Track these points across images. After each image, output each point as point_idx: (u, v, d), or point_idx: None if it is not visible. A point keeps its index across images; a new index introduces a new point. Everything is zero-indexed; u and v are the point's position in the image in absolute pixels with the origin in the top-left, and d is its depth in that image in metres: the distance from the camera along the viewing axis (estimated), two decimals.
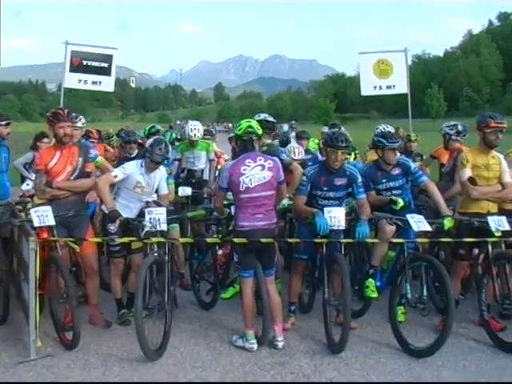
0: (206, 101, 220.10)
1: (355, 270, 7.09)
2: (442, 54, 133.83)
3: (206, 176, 9.67)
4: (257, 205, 5.89)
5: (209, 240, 6.65)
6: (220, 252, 7.18)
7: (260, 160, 5.96)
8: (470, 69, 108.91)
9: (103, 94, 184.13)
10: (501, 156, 6.61)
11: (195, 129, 9.30)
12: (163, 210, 6.20)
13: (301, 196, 6.37)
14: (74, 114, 6.66)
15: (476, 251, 6.55)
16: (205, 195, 9.25)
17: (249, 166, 5.89)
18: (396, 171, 6.73)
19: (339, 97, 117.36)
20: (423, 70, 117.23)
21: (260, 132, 6.08)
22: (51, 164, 6.28)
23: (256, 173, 5.88)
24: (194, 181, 9.45)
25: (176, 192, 8.56)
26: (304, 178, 6.40)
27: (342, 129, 12.45)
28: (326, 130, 14.20)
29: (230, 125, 39.42)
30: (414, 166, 6.85)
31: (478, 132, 6.52)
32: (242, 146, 6.07)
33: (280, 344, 6.02)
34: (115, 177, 6.47)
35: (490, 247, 6.22)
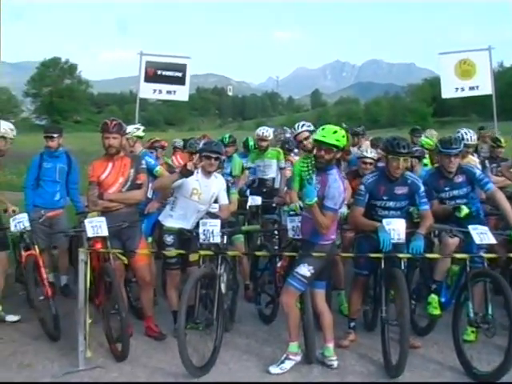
0: (302, 108, 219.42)
1: (421, 286, 6.59)
2: None
3: (277, 185, 9.39)
4: None
5: (258, 253, 6.46)
6: (279, 264, 6.93)
7: None
8: None
9: (201, 103, 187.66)
10: None
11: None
12: (217, 222, 6.05)
13: (358, 207, 5.95)
14: (125, 126, 6.55)
15: None
16: (274, 204, 9.03)
17: None
18: (460, 179, 6.23)
19: (438, 100, 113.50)
20: None
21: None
22: (103, 176, 6.26)
23: None
24: (264, 190, 9.24)
25: (246, 201, 8.41)
26: (362, 187, 5.95)
27: (423, 136, 11.85)
28: (433, 132, 13.58)
29: None
30: (479, 172, 6.36)
31: None
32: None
33: (334, 363, 5.70)
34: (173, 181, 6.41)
35: None
